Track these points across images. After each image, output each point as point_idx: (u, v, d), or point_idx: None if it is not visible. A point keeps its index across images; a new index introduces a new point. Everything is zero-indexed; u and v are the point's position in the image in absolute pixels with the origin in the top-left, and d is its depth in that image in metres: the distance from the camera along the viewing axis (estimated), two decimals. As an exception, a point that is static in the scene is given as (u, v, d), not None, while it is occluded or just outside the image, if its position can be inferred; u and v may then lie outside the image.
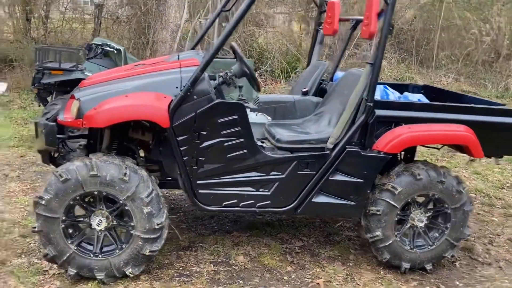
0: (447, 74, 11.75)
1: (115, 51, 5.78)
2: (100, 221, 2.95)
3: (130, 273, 2.99)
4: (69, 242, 2.92)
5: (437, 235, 3.40)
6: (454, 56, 12.11)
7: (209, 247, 3.54)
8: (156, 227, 2.93)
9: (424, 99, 3.79)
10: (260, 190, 3.16)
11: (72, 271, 2.94)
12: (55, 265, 3.12)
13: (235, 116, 3.00)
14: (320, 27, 4.28)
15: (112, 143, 3.30)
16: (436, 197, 3.29)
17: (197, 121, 2.96)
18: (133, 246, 2.95)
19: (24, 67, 9.02)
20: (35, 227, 2.87)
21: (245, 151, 3.06)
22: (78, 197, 2.87)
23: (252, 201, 3.15)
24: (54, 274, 3.07)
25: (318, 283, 3.18)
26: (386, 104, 3.24)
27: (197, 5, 11.54)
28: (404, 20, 12.54)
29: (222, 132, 3.01)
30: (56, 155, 3.37)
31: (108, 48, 5.83)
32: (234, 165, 3.08)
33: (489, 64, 12.37)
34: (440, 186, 3.25)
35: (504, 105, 3.51)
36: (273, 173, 3.15)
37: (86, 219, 2.97)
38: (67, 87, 5.54)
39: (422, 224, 3.36)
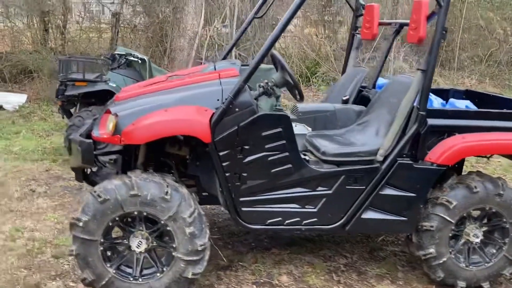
0: (470, 76, 11.47)
1: (140, 61, 5.65)
2: (140, 242, 2.79)
3: (172, 297, 2.82)
4: (108, 265, 2.77)
5: (494, 251, 3.18)
6: (477, 57, 11.84)
7: (249, 266, 3.37)
8: (199, 248, 2.76)
9: (472, 106, 3.58)
10: (306, 206, 2.97)
11: (111, 295, 2.78)
12: (91, 289, 2.97)
13: (280, 129, 2.83)
14: (357, 32, 4.10)
15: (148, 159, 3.14)
16: (493, 211, 3.08)
17: (240, 135, 2.79)
18: (175, 268, 2.79)
19: (43, 77, 8.95)
20: (72, 250, 2.72)
21: (290, 165, 2.88)
22: (117, 218, 2.71)
23: (298, 219, 2.97)
24: (91, 298, 2.91)
25: (369, 305, 2.98)
26: (439, 113, 3.04)
27: (214, 12, 11.41)
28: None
29: (266, 146, 2.84)
30: (88, 171, 3.23)
31: (132, 58, 5.70)
32: (278, 180, 2.91)
33: (512, 65, 12.08)
34: (497, 199, 3.05)
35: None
36: (319, 188, 2.96)
37: (125, 240, 2.81)
38: (91, 98, 5.42)
39: (478, 240, 3.15)
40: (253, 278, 3.22)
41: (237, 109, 2.79)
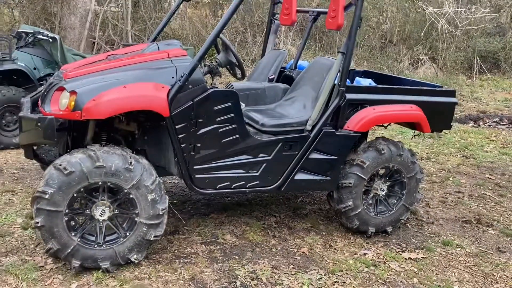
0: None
1: (50, 40, 5.51)
2: (103, 211, 2.99)
3: (135, 259, 3.07)
4: (73, 234, 2.93)
5: (395, 201, 3.92)
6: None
7: (194, 229, 3.71)
8: (161, 212, 3.05)
9: (373, 83, 4.27)
10: (249, 171, 3.40)
11: (76, 263, 2.95)
12: (49, 260, 3.11)
13: (229, 104, 3.20)
14: (275, 18, 4.57)
15: (100, 135, 3.31)
16: (395, 168, 3.80)
17: (195, 109, 3.11)
18: (138, 232, 3.04)
19: None
20: (37, 222, 2.83)
21: (237, 136, 3.28)
22: (81, 189, 2.88)
23: (243, 182, 3.39)
24: (52, 268, 3.05)
25: (303, 252, 3.52)
26: (355, 89, 3.64)
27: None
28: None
29: (217, 119, 3.19)
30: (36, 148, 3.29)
31: (41, 37, 5.53)
32: (227, 149, 3.29)
33: (382, 49, 13.63)
34: (399, 158, 3.76)
35: (442, 86, 4.12)
36: (261, 155, 3.40)
37: (87, 210, 2.98)
38: (-1, 77, 5.21)
39: (383, 193, 3.86)
40: (200, 239, 3.58)
41: (190, 86, 3.09)
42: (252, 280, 3.11)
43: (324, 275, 3.24)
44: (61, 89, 3.04)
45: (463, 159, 6.26)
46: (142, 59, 3.23)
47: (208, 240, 3.57)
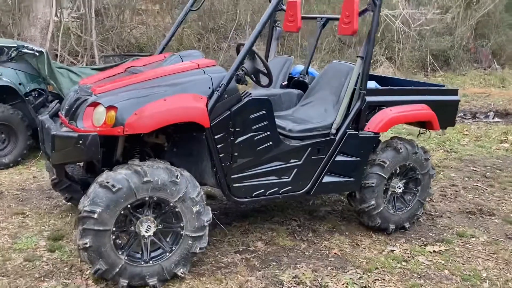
0: (312, 62, 13.01)
1: (37, 53, 5.29)
2: (148, 226, 2.93)
3: (182, 273, 3.03)
4: (120, 253, 2.85)
5: (411, 197, 4.08)
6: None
7: (223, 239, 3.70)
8: (205, 224, 3.03)
9: (378, 86, 4.43)
10: (282, 177, 3.44)
11: (124, 282, 2.87)
12: (90, 281, 3.01)
13: (264, 111, 3.23)
14: (276, 24, 4.63)
15: (132, 150, 3.24)
16: (411, 166, 3.96)
17: (232, 119, 3.11)
18: (183, 246, 3.00)
19: None
20: (86, 243, 2.73)
21: (271, 143, 3.31)
22: (129, 206, 2.81)
23: (277, 188, 3.43)
24: (96, 290, 2.95)
25: (335, 253, 3.60)
26: (373, 92, 3.77)
27: (66, -1, 10.78)
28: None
29: (253, 127, 3.21)
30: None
31: (26, 51, 5.29)
32: (262, 157, 3.31)
33: (341, 51, 14.04)
34: (414, 156, 3.93)
35: (444, 85, 4.34)
36: (292, 160, 3.45)
37: (131, 227, 2.91)
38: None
39: (400, 190, 4.01)
40: (232, 248, 3.57)
41: (226, 96, 3.10)
42: (297, 284, 3.15)
43: (363, 274, 3.33)
44: (95, 104, 2.96)
45: (446, 153, 6.58)
46: (172, 70, 3.20)
47: (240, 249, 3.57)
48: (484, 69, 15.52)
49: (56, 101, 3.68)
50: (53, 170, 3.54)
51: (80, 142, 2.79)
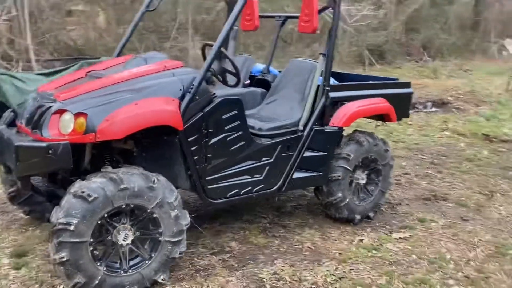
0: (258, 59, 13.13)
1: None
2: (126, 235, 2.84)
3: (162, 279, 2.98)
4: (98, 264, 2.75)
5: (373, 188, 4.23)
6: (258, 43, 13.59)
7: (196, 242, 3.66)
8: (184, 228, 2.98)
9: (336, 82, 4.55)
10: (254, 176, 3.45)
11: (104, 294, 2.78)
12: (65, 297, 2.88)
13: (236, 111, 3.23)
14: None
15: (100, 157, 3.13)
16: (373, 157, 4.11)
17: (205, 120, 3.09)
18: (163, 252, 2.94)
19: None
20: (62, 257, 2.61)
21: (243, 142, 3.32)
22: (105, 215, 2.72)
23: (250, 188, 3.44)
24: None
25: (308, 247, 3.67)
26: (335, 87, 3.87)
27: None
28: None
29: (226, 128, 3.20)
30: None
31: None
32: (235, 157, 3.31)
33: (284, 49, 14.25)
34: (375, 148, 4.07)
35: (397, 79, 4.54)
36: (263, 159, 3.48)
37: (108, 237, 2.82)
38: None
39: (363, 181, 4.15)
40: (207, 250, 3.54)
41: (197, 97, 3.07)
42: (278, 280, 3.18)
43: (338, 265, 3.41)
44: (61, 111, 2.83)
45: (394, 144, 6.87)
46: (139, 73, 3.12)
47: (215, 250, 3.55)
48: (417, 62, 16.34)
49: (9, 110, 3.49)
50: (11, 183, 3.37)
51: (51, 151, 2.66)
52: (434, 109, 9.55)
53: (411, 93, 4.41)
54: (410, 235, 3.95)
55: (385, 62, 15.43)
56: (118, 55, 4.04)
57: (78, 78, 3.40)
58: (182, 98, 3.02)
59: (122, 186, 2.71)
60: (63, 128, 2.81)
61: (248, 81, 4.39)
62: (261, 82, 4.39)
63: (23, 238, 3.60)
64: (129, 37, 4.10)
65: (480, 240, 3.91)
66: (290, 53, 13.96)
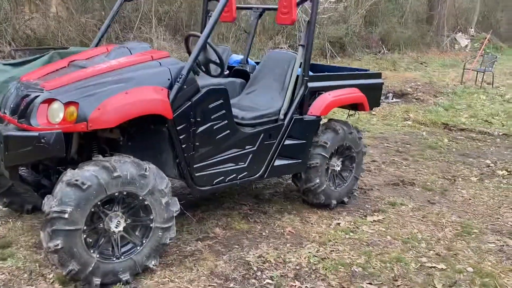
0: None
1: None
2: (118, 222, 2.89)
3: (154, 265, 3.04)
4: (91, 251, 2.79)
5: (347, 174, 4.43)
6: (222, 34, 13.62)
7: (181, 229, 3.73)
8: (174, 214, 3.06)
9: (311, 72, 4.69)
10: (239, 164, 3.56)
11: (97, 281, 2.81)
12: (57, 285, 2.90)
13: (222, 100, 3.31)
14: (209, 15, 4.68)
15: (86, 146, 3.15)
16: (348, 145, 4.29)
17: (193, 109, 3.16)
18: (154, 238, 3.00)
19: None
20: (57, 245, 2.63)
21: (229, 131, 3.41)
22: (99, 203, 2.75)
23: (235, 175, 3.54)
24: (65, 293, 2.85)
25: (290, 231, 3.82)
26: (314, 78, 4.01)
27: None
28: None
29: (212, 117, 3.28)
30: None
31: None
32: (221, 145, 3.40)
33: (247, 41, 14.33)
34: (350, 136, 4.26)
35: (368, 70, 4.74)
36: (247, 147, 3.59)
37: (101, 224, 2.85)
38: None
39: (338, 168, 4.33)
40: (193, 237, 3.63)
41: (185, 86, 3.13)
42: (263, 263, 3.31)
43: (319, 247, 3.58)
44: (49, 101, 2.83)
45: (360, 133, 7.12)
46: (127, 63, 3.15)
47: (200, 237, 3.64)
48: (375, 54, 16.84)
49: None
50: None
51: (43, 140, 2.67)
52: (395, 99, 9.92)
53: (381, 84, 4.62)
54: (383, 218, 4.17)
55: (346, 55, 15.81)
56: (97, 45, 4.03)
57: (61, 68, 3.38)
58: (170, 87, 3.07)
59: (115, 174, 2.75)
60: (51, 117, 2.81)
61: (227, 72, 4.47)
62: (239, 73, 4.48)
63: (4, 230, 3.56)
64: (108, 27, 4.08)
65: (448, 221, 4.18)
66: (253, 44, 14.05)
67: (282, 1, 3.85)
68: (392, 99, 9.97)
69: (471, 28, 22.31)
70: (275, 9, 4.06)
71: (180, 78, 3.08)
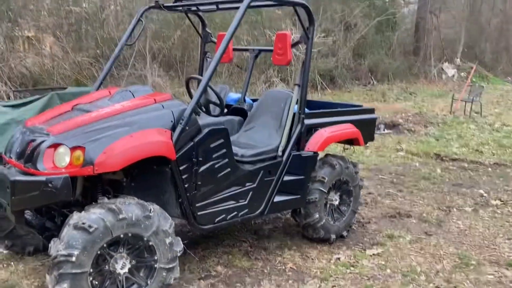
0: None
1: None
2: (123, 264, 2.92)
3: (158, 306, 3.05)
4: (98, 294, 2.81)
5: (345, 208, 4.50)
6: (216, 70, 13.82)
7: (183, 267, 3.74)
8: (178, 254, 3.09)
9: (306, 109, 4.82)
10: (239, 201, 3.62)
11: (104, 324, 2.83)
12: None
13: (222, 140, 3.40)
14: (207, 56, 4.83)
15: (91, 188, 3.21)
16: (345, 179, 4.38)
17: (195, 149, 3.24)
18: (158, 279, 3.03)
19: None
20: (63, 290, 2.66)
21: (229, 169, 3.49)
22: (105, 245, 2.79)
23: (236, 212, 3.60)
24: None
25: (291, 267, 3.86)
26: (310, 115, 4.13)
27: None
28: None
29: (213, 156, 3.37)
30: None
31: None
32: (222, 183, 3.47)
33: (239, 75, 14.58)
34: (347, 171, 4.35)
35: (362, 105, 4.88)
36: (247, 184, 3.66)
37: (106, 266, 2.88)
38: None
39: (336, 202, 4.41)
40: (195, 276, 3.65)
41: (187, 127, 3.23)
42: (267, 301, 3.34)
43: (321, 282, 3.62)
44: (55, 145, 2.91)
45: (355, 165, 7.22)
46: (130, 107, 3.24)
47: (202, 275, 3.66)
48: (365, 85, 17.17)
49: None
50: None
51: (50, 185, 2.73)
52: (387, 130, 10.09)
53: (375, 119, 4.76)
54: (382, 251, 4.22)
55: (336, 87, 16.10)
56: (98, 87, 4.12)
57: (66, 112, 3.47)
58: (173, 129, 3.16)
59: (120, 216, 2.80)
60: (58, 161, 2.88)
61: (225, 110, 4.57)
62: (237, 111, 4.59)
63: (7, 273, 3.56)
64: (109, 69, 4.19)
65: (445, 252, 4.24)
66: (244, 78, 14.27)
67: (278, 43, 4.01)
68: (384, 130, 10.13)
69: (457, 58, 22.84)
70: (270, 51, 4.22)
71: (182, 120, 3.17)
